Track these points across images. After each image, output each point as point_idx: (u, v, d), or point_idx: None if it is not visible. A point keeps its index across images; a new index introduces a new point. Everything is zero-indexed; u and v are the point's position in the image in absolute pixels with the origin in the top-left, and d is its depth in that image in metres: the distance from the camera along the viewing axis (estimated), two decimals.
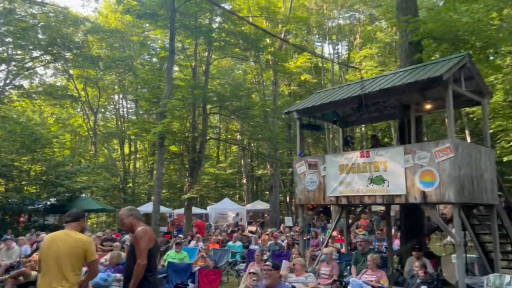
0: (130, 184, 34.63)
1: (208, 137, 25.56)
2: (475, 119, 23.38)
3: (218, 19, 23.80)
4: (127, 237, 14.93)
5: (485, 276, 6.98)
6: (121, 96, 38.18)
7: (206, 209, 29.57)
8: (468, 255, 9.57)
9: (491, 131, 21.71)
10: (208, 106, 23.71)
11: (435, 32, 10.78)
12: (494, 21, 14.89)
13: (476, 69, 8.60)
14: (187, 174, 23.24)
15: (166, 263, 9.41)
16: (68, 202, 20.69)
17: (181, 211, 24.98)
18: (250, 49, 23.39)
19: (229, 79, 31.34)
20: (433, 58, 12.02)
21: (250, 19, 24.93)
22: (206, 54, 23.88)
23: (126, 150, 38.61)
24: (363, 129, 31.81)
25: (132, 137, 32.26)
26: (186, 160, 23.62)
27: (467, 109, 23.13)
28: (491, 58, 14.53)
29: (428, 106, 9.24)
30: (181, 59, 25.37)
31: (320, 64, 33.03)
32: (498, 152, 21.37)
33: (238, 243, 13.22)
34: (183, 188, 25.34)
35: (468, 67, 8.03)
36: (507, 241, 8.87)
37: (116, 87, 36.05)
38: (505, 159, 21.86)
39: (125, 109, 39.67)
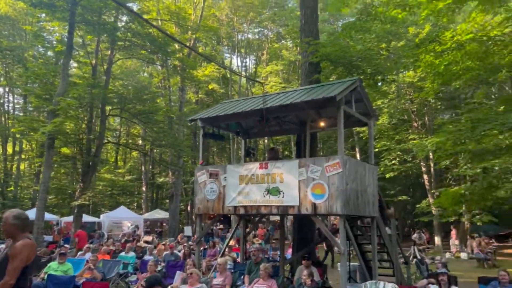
0: (12, 188, 31.02)
1: (105, 141, 24.10)
2: (364, 138, 25.68)
3: (125, 18, 22.78)
4: (2, 246, 13.30)
5: (365, 282, 7.59)
6: (7, 89, 34.20)
7: (99, 217, 27.73)
8: (351, 263, 10.38)
9: (376, 150, 24.08)
10: (108, 108, 22.43)
11: (332, 56, 11.63)
12: (383, 51, 16.63)
13: (365, 93, 9.46)
14: (80, 179, 21.59)
15: (46, 276, 8.55)
16: None
17: (71, 219, 23.06)
18: (157, 52, 22.77)
19: (133, 81, 30.11)
20: (331, 79, 12.98)
21: (159, 23, 24.36)
22: (109, 52, 22.65)
23: (10, 150, 34.58)
24: (266, 141, 32.89)
25: (18, 135, 29.04)
26: (79, 164, 21.95)
27: (358, 129, 25.36)
28: (379, 84, 16.13)
29: (322, 124, 9.89)
30: (80, 55, 23.68)
31: (228, 75, 33.50)
32: (381, 169, 23.71)
33: (131, 254, 12.58)
34: (75, 194, 23.47)
35: (359, 91, 8.79)
36: (384, 250, 9.82)
37: (1, 79, 32.21)
38: (387, 175, 24.34)
39: (11, 104, 35.64)
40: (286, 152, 34.12)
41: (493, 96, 22.93)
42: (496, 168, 14.93)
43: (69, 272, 9.05)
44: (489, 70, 13.08)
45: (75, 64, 26.00)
